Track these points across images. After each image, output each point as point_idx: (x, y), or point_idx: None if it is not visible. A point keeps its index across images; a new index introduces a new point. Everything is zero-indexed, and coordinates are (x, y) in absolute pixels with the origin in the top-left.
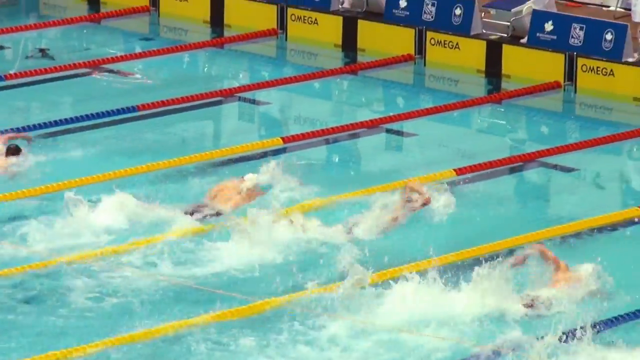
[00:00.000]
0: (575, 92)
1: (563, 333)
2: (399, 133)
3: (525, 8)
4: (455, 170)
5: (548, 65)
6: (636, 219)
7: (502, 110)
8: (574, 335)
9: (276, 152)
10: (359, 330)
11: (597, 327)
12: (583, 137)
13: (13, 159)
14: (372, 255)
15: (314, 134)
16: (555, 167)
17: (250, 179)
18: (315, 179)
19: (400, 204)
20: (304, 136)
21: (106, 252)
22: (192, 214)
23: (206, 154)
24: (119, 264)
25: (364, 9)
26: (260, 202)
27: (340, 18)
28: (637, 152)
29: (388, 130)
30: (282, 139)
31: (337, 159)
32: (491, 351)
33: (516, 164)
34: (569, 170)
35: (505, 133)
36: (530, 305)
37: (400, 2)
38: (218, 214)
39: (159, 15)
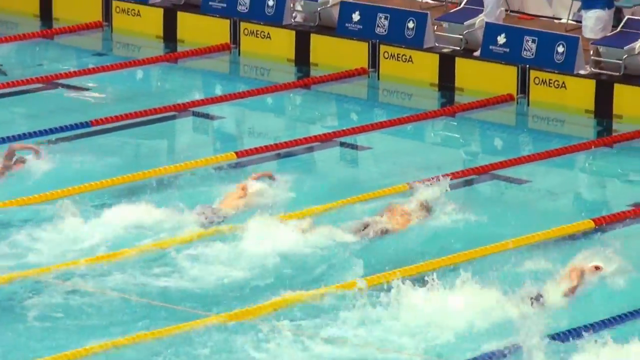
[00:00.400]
0: (528, 104)
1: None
2: (353, 147)
3: (478, 21)
4: (409, 184)
5: (501, 78)
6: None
7: (456, 123)
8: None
9: (230, 167)
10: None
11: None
12: (536, 149)
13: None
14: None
15: (267, 149)
16: (508, 179)
17: (263, 189)
18: (271, 193)
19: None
20: (257, 150)
21: (64, 266)
22: (201, 215)
23: (160, 169)
24: (80, 278)
25: (317, 23)
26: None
27: (293, 32)
28: (589, 164)
29: (342, 144)
30: (236, 153)
31: (292, 173)
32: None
33: (470, 176)
34: (522, 182)
35: (459, 146)
36: (537, 300)
37: (353, 16)
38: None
39: (111, 31)
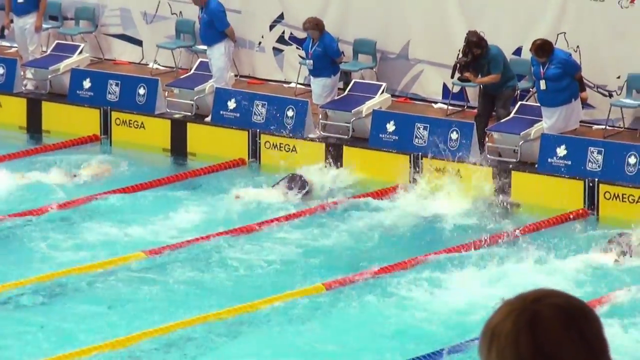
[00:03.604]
0: (260, 168)
1: None
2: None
3: (208, 87)
4: (145, 251)
5: (232, 143)
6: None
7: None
8: None
9: None
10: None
11: None
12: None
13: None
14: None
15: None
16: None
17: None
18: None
19: None
20: None
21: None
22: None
23: None
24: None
25: (48, 91)
26: None
27: (25, 100)
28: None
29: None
30: None
31: (18, 240)
32: None
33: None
34: None
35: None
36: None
37: (84, 83)
38: None
39: None
